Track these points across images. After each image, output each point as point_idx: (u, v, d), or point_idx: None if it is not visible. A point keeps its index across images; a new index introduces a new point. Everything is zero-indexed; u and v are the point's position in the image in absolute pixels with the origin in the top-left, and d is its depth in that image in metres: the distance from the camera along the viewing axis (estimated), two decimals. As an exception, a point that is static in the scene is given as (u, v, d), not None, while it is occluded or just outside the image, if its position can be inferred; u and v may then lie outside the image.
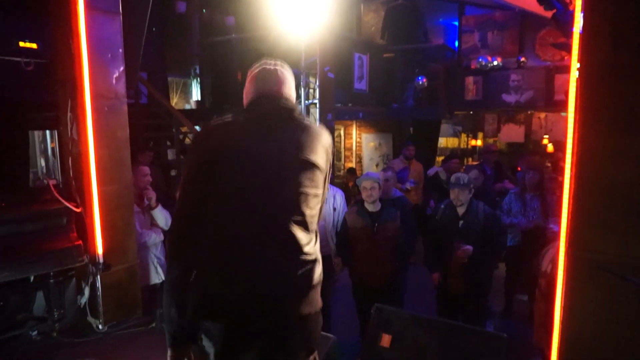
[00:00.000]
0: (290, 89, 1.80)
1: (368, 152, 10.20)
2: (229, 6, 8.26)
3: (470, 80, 9.44)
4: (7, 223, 3.25)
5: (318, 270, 1.70)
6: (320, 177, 1.73)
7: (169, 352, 1.59)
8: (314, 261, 1.69)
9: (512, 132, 11.87)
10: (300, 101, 6.14)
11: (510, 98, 9.10)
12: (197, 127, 6.31)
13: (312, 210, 1.70)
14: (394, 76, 8.60)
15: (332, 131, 6.61)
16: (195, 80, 8.24)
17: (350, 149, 10.31)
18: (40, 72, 5.34)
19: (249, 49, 7.27)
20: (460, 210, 3.62)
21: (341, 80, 6.83)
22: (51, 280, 3.53)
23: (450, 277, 3.67)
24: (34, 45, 5.44)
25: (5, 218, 3.26)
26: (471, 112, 12.25)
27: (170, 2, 7.38)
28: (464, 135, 14.24)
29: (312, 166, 1.69)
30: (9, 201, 3.52)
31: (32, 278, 3.47)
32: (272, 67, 1.77)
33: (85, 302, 3.53)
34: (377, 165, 9.78)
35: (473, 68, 9.60)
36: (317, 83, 6.00)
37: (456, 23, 10.57)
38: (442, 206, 3.80)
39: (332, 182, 6.46)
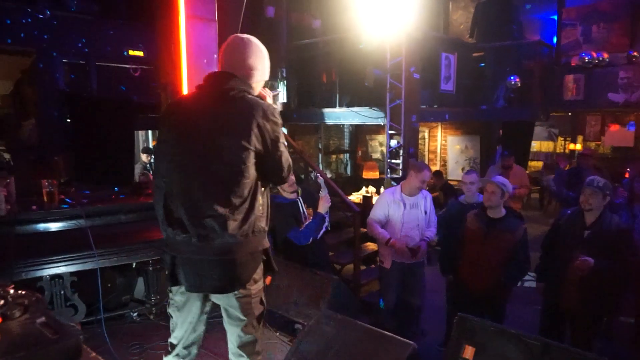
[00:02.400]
0: (242, 66, 1.92)
1: (453, 155, 9.84)
2: (316, 9, 8.42)
3: (570, 78, 8.72)
4: (116, 213, 3.62)
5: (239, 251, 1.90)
6: (248, 157, 1.82)
7: None
8: (235, 243, 1.87)
9: (619, 135, 10.73)
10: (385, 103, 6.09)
11: (617, 97, 8.25)
12: (283, 129, 6.49)
13: (236, 192, 1.83)
14: (484, 76, 8.19)
15: (416, 133, 6.46)
16: (282, 82, 8.52)
17: (434, 152, 10.03)
18: (145, 76, 5.90)
19: (334, 51, 7.35)
20: (589, 218, 3.23)
21: (427, 81, 6.66)
22: (150, 268, 3.86)
23: (563, 290, 3.31)
24: (141, 53, 6.02)
25: (115, 209, 3.64)
26: (570, 113, 11.31)
27: (259, 7, 7.70)
28: (560, 139, 13.20)
29: (235, 148, 1.81)
30: (118, 193, 3.92)
31: (134, 264, 3.84)
32: (234, 41, 1.95)
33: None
34: (462, 169, 9.40)
35: (574, 65, 8.86)
36: (403, 84, 5.90)
37: (555, 17, 9.80)
38: (569, 212, 3.44)
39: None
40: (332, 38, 7.34)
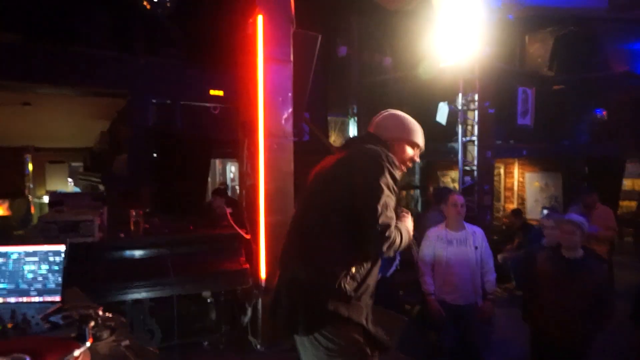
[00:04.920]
0: (380, 128, 2.09)
1: (532, 193, 9.28)
2: (387, 46, 8.55)
3: (666, 111, 7.97)
4: (193, 243, 3.80)
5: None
6: (334, 212, 1.77)
7: None
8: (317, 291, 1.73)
9: None
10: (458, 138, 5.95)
11: None
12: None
13: (317, 241, 1.78)
14: (565, 109, 7.75)
15: (491, 169, 6.20)
16: (352, 119, 8.64)
17: (510, 189, 9.53)
18: (224, 114, 6.28)
19: (405, 88, 7.37)
20: None
21: (502, 116, 6.43)
22: (221, 298, 3.97)
23: None
24: (221, 93, 6.44)
25: (192, 239, 3.82)
26: (667, 149, 10.30)
27: (332, 47, 7.97)
28: (657, 177, 12.01)
29: (326, 198, 1.82)
30: (195, 225, 4.13)
31: (208, 293, 3.97)
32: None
33: (247, 322, 3.87)
34: (542, 208, 8.80)
35: (670, 97, 8.10)
36: (476, 119, 5.74)
37: (646, 46, 9.15)
38: None
39: (489, 224, 6.03)
40: (403, 75, 7.37)
